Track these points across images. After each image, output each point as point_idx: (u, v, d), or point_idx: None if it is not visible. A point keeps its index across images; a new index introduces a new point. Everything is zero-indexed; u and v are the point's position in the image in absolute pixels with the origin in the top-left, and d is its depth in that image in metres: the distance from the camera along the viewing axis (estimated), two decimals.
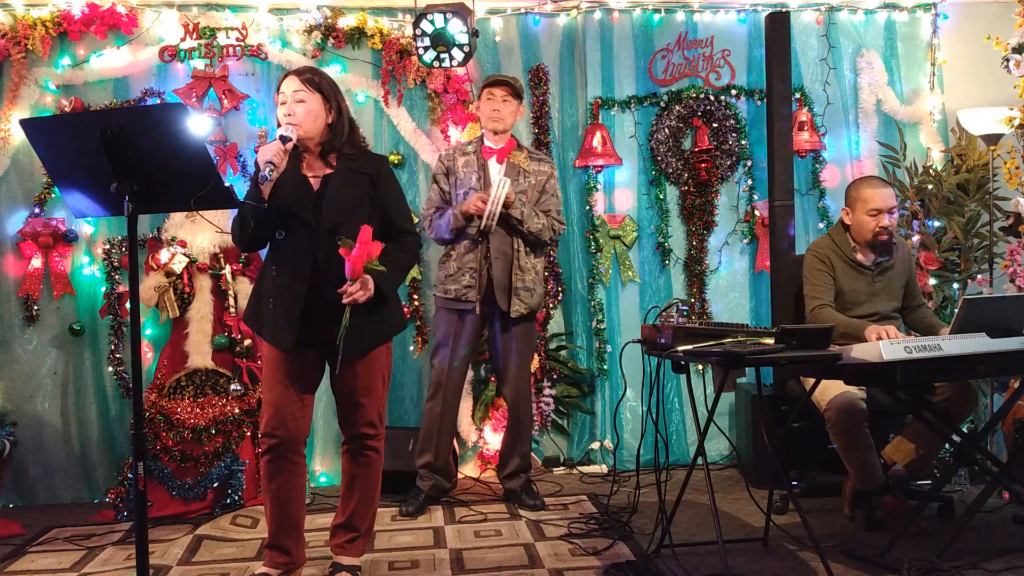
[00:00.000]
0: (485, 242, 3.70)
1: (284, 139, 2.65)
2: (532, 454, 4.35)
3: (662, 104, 4.63)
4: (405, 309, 4.41)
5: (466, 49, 3.97)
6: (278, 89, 2.79)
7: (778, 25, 4.22)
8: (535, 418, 4.45)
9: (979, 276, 4.24)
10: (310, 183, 2.78)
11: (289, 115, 2.71)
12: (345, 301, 2.65)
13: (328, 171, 2.80)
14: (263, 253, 2.96)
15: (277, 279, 2.77)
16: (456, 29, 3.92)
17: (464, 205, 3.67)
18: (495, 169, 3.78)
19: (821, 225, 4.66)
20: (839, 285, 3.46)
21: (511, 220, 3.67)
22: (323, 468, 4.42)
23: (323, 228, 2.72)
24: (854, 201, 3.47)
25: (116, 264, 4.23)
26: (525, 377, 3.87)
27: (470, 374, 4.39)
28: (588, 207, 4.58)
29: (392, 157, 4.43)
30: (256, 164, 2.71)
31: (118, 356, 4.21)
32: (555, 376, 4.53)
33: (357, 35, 4.41)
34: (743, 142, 4.65)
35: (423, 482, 3.84)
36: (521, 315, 3.73)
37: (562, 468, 4.52)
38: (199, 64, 4.32)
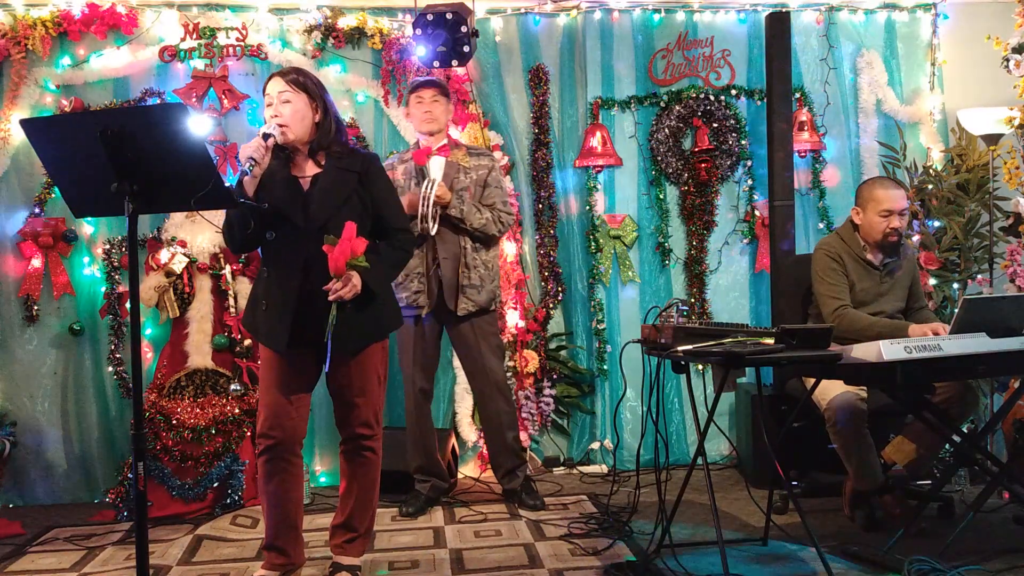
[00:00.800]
0: (432, 245, 3.68)
1: (266, 136, 2.66)
2: (532, 454, 4.36)
3: (662, 104, 4.63)
4: None
5: (466, 49, 3.96)
6: (264, 91, 2.79)
7: (778, 25, 4.23)
8: (535, 417, 4.45)
9: (979, 276, 4.24)
10: (299, 183, 2.78)
11: (276, 116, 2.72)
12: (331, 298, 2.64)
13: (317, 171, 2.80)
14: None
15: (269, 280, 2.78)
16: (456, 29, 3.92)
17: None
18: (436, 171, 3.70)
19: (821, 225, 4.66)
20: (849, 283, 3.46)
21: (452, 220, 3.65)
22: (323, 468, 4.43)
23: (312, 227, 2.72)
24: (865, 201, 3.45)
25: (116, 264, 4.23)
26: (493, 367, 3.80)
27: None
28: (588, 207, 4.58)
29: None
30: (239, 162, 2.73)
31: (118, 356, 4.22)
32: (555, 376, 4.53)
33: (357, 35, 4.42)
34: (743, 142, 4.65)
35: (421, 485, 3.84)
36: (470, 312, 3.71)
37: (562, 468, 4.52)
38: (199, 64, 4.32)
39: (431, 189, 3.56)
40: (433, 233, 3.61)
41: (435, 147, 3.75)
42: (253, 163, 2.60)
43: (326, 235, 2.64)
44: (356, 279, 2.66)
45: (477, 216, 3.68)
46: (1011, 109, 4.14)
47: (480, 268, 3.72)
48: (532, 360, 4.45)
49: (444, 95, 3.78)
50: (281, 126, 2.71)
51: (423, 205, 3.55)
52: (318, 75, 2.94)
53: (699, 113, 4.61)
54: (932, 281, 4.26)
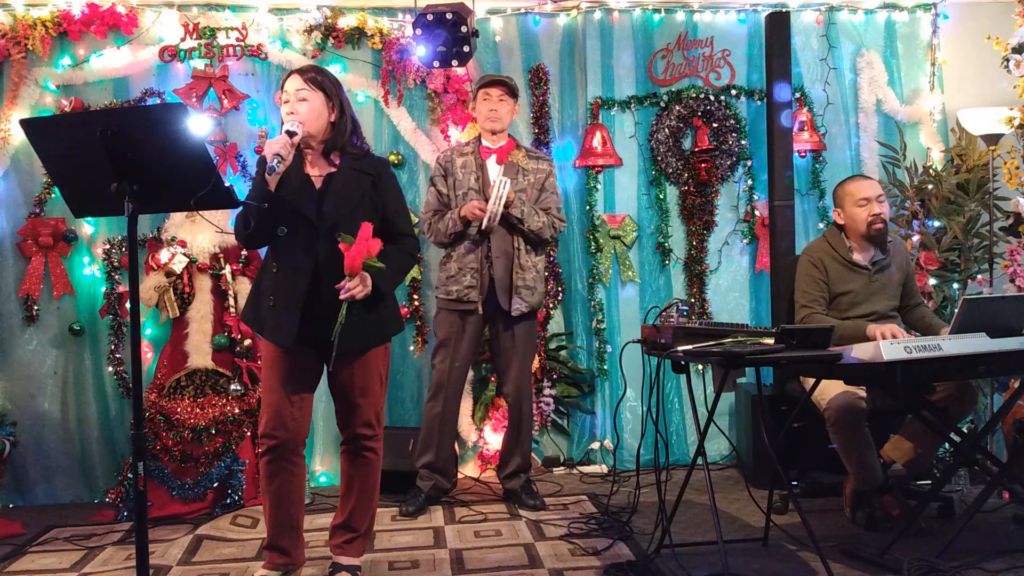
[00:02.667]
0: (486, 242, 3.70)
1: (290, 133, 2.67)
2: (532, 454, 4.36)
3: (662, 104, 4.63)
4: (405, 309, 4.41)
5: (466, 49, 3.96)
6: (282, 87, 2.80)
7: (778, 25, 4.23)
8: (535, 418, 4.45)
9: (979, 276, 4.24)
10: (311, 181, 2.79)
11: (292, 113, 2.73)
12: (343, 297, 2.65)
13: (331, 170, 2.81)
14: (263, 252, 2.96)
15: (278, 276, 2.77)
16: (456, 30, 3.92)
17: (463, 210, 3.66)
18: (493, 169, 3.78)
19: (821, 225, 4.66)
20: (836, 288, 3.46)
21: (511, 219, 3.67)
22: (323, 468, 4.42)
23: (325, 226, 2.72)
24: (841, 199, 3.51)
25: (116, 264, 4.23)
26: (527, 376, 3.87)
27: (470, 374, 4.39)
28: (588, 207, 4.58)
29: (392, 157, 4.43)
30: (258, 161, 2.74)
31: (118, 356, 4.21)
32: (555, 376, 4.53)
33: (357, 35, 4.42)
34: (743, 142, 4.65)
35: (423, 482, 3.84)
36: (522, 314, 3.74)
37: (562, 468, 4.52)
38: (199, 64, 4.32)
39: (505, 188, 3.59)
40: (492, 230, 3.64)
41: (495, 146, 3.80)
42: (280, 159, 2.61)
43: (341, 234, 2.64)
44: (369, 280, 2.67)
45: (535, 219, 3.72)
46: (1011, 109, 4.14)
47: (532, 271, 3.76)
48: (534, 359, 4.45)
49: (512, 95, 3.81)
50: (297, 123, 2.71)
51: (496, 203, 3.57)
52: None
53: (699, 113, 4.61)
54: (932, 281, 4.26)
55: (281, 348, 2.77)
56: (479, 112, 3.82)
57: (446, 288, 3.75)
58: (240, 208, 2.68)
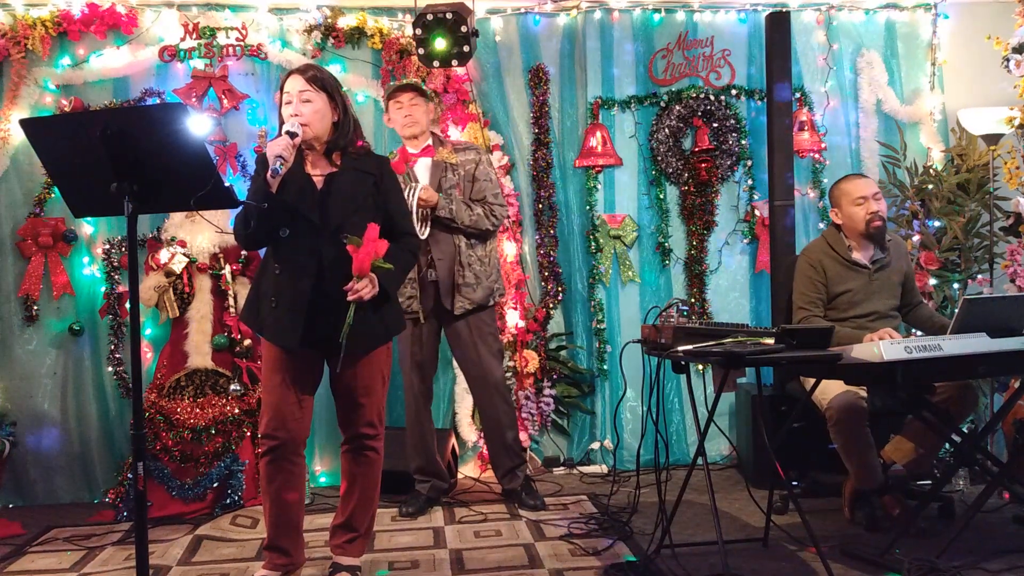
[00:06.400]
0: (425, 248, 3.63)
1: (291, 135, 2.65)
2: (532, 454, 4.36)
3: (662, 104, 4.63)
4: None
5: (466, 49, 3.96)
6: (281, 88, 2.79)
7: (778, 25, 4.23)
8: (535, 417, 4.45)
9: (979, 276, 4.25)
10: (312, 182, 2.78)
11: (296, 115, 2.71)
12: (351, 298, 2.64)
13: (332, 170, 2.80)
14: (263, 252, 2.96)
15: (280, 277, 2.76)
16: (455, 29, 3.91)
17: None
18: (423, 173, 3.72)
19: (821, 225, 4.65)
20: (835, 287, 3.45)
21: (442, 220, 3.64)
22: (323, 468, 4.43)
23: (327, 227, 2.71)
24: (838, 199, 3.50)
25: (116, 264, 4.23)
26: (491, 367, 3.78)
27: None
28: (588, 207, 4.58)
29: (392, 157, 4.42)
30: (258, 159, 2.73)
31: (118, 356, 4.22)
32: (555, 376, 4.53)
33: (357, 35, 4.42)
34: (743, 142, 4.65)
35: (421, 485, 3.85)
36: (467, 310, 3.70)
37: (562, 468, 4.52)
38: (199, 64, 4.32)
39: (414, 195, 3.54)
40: (424, 236, 3.58)
41: (418, 149, 3.74)
42: (282, 161, 2.59)
43: (347, 235, 2.63)
44: (376, 280, 2.67)
45: (468, 213, 3.67)
46: (1011, 109, 4.14)
47: (475, 265, 3.71)
48: (532, 360, 4.45)
49: (423, 96, 3.74)
50: (302, 125, 2.70)
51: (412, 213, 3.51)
52: None
53: (699, 113, 4.61)
54: (932, 281, 4.26)
55: (283, 349, 2.77)
56: (394, 122, 3.75)
57: None
58: (239, 208, 2.68)
